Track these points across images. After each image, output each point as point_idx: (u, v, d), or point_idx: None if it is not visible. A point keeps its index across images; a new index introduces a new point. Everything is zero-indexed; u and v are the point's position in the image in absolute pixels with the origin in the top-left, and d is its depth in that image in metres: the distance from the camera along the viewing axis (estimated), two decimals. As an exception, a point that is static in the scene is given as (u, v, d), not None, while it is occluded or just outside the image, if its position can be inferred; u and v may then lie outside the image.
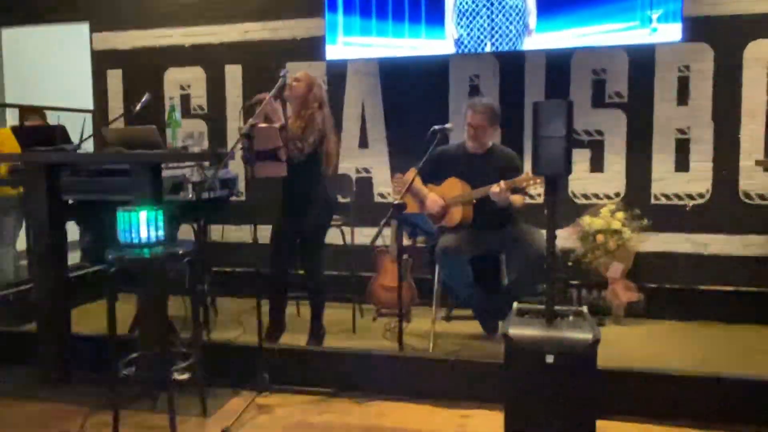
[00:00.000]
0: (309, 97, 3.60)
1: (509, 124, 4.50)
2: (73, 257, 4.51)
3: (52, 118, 5.62)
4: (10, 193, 4.71)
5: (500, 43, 4.36)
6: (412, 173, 3.67)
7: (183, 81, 5.27)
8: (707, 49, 4.31)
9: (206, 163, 3.76)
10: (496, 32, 4.33)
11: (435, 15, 4.45)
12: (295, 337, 3.79)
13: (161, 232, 2.84)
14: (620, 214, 4.23)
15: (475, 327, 3.96)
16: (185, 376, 3.07)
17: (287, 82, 3.52)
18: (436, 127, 3.49)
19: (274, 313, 3.80)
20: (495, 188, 3.46)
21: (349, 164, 4.95)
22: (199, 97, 5.25)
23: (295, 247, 3.75)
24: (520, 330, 2.58)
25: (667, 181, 4.44)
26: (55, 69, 6.76)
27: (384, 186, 4.90)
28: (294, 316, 4.14)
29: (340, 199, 4.81)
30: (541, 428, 2.53)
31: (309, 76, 3.67)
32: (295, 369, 3.28)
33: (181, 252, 2.86)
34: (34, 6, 5.52)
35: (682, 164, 4.41)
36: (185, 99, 5.26)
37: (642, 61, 4.41)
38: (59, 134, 3.50)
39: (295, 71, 4.87)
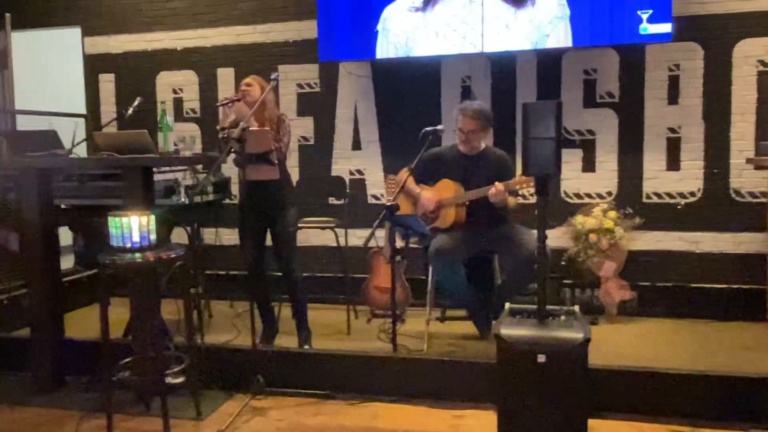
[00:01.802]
0: (266, 99, 3.57)
1: (501, 124, 4.52)
2: (66, 262, 4.51)
3: (43, 123, 5.61)
4: None
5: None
6: (404, 174, 3.68)
7: (175, 84, 5.27)
8: (697, 48, 4.33)
9: (200, 167, 3.77)
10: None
11: None
12: (290, 340, 3.80)
13: (153, 236, 2.84)
14: (612, 213, 4.25)
15: (468, 327, 3.97)
16: (179, 379, 3.08)
17: (261, 88, 3.53)
18: (428, 128, 3.50)
19: (263, 315, 3.82)
20: (493, 190, 3.47)
21: (342, 166, 4.97)
22: (192, 101, 5.25)
23: (265, 247, 3.76)
24: (511, 330, 2.59)
25: (658, 180, 4.46)
26: (48, 73, 6.74)
27: (377, 187, 4.91)
28: (289, 318, 4.14)
29: (334, 201, 4.83)
30: (533, 427, 2.54)
31: (259, 78, 3.65)
32: (290, 371, 3.29)
33: (174, 256, 2.86)
34: (27, 11, 5.51)
35: (673, 163, 4.43)
36: (177, 102, 5.26)
37: (632, 61, 4.43)
38: (51, 139, 3.50)
39: (287, 74, 4.93)
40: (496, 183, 3.47)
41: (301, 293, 3.79)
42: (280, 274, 3.75)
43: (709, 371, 2.96)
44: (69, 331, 3.55)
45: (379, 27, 4.52)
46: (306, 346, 3.70)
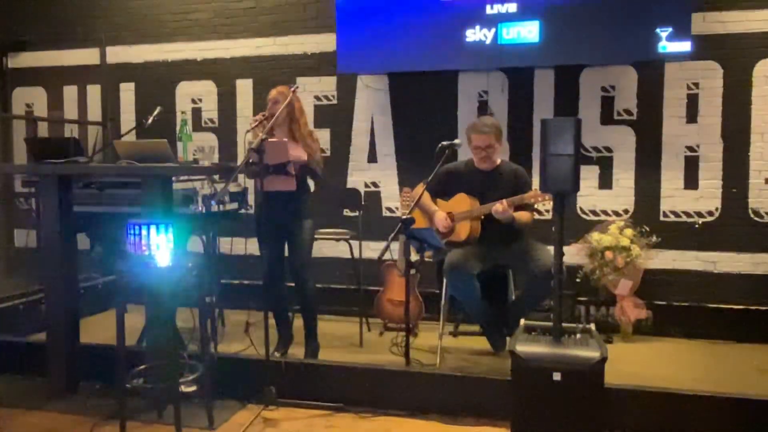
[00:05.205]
0: (294, 111, 3.61)
1: (518, 140, 4.52)
2: (83, 268, 4.54)
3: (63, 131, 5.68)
4: None
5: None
6: (420, 188, 3.69)
7: (194, 95, 5.32)
8: (716, 67, 4.31)
9: (217, 176, 3.80)
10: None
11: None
12: (301, 351, 3.80)
13: (171, 245, 2.85)
14: (629, 231, 4.22)
15: (482, 343, 3.95)
16: (192, 388, 3.08)
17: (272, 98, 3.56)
18: (445, 143, 3.50)
19: (278, 325, 3.82)
20: (498, 206, 3.49)
21: (357, 178, 4.98)
22: (210, 111, 5.30)
23: (284, 257, 3.78)
24: (527, 347, 2.58)
25: (676, 199, 4.43)
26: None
27: (392, 200, 4.91)
28: (301, 328, 4.14)
29: (349, 213, 4.85)
30: (547, 446, 2.53)
31: (283, 92, 3.59)
32: (302, 383, 3.29)
33: (190, 264, 2.88)
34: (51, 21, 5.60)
35: (691, 182, 4.40)
36: (196, 112, 5.31)
37: (651, 79, 4.42)
38: (72, 146, 3.54)
39: (305, 86, 4.96)
40: (502, 200, 3.49)
41: (313, 305, 3.80)
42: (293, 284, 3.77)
43: (726, 393, 2.92)
44: (84, 336, 3.57)
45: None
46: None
